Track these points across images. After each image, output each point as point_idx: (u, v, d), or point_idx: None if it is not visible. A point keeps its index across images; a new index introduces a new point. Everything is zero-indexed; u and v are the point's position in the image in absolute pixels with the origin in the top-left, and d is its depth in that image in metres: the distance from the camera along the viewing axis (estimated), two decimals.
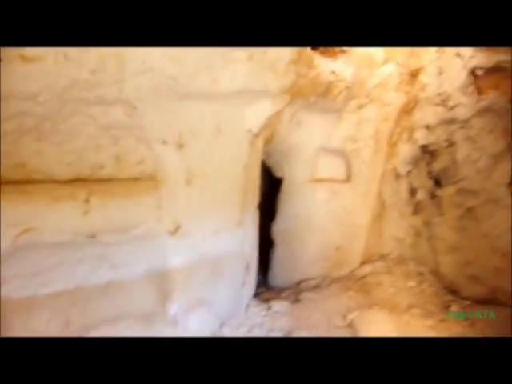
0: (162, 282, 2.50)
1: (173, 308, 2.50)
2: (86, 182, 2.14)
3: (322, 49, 3.13)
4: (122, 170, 2.35)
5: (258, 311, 3.04)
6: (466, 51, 2.86)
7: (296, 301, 3.22)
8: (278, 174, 3.84)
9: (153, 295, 2.52)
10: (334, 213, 3.70)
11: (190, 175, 2.54)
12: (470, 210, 3.17)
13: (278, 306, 3.10)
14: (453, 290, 3.29)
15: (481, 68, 2.79)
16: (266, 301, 3.28)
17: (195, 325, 2.59)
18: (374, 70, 3.40)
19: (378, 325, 2.60)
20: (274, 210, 3.82)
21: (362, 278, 3.47)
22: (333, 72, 3.16)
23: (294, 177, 3.71)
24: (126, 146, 2.33)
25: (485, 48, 2.69)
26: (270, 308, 3.08)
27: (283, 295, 3.47)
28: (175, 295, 2.50)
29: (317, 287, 3.43)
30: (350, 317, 2.81)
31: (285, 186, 3.75)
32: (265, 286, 3.85)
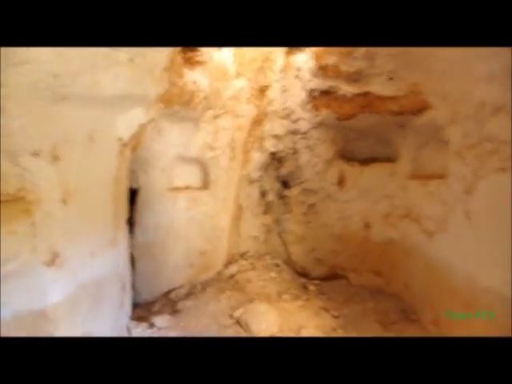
0: (38, 323, 2.02)
1: None
2: None
3: (184, 57, 3.17)
4: None
5: (141, 331, 2.83)
6: (305, 75, 3.47)
7: (175, 312, 3.15)
8: (134, 184, 3.63)
9: None
10: (196, 219, 3.78)
11: (66, 193, 2.16)
12: (311, 205, 3.88)
13: (160, 320, 2.97)
14: (304, 273, 3.93)
15: (316, 90, 3.43)
16: (142, 318, 3.08)
17: None
18: (228, 83, 3.65)
19: (264, 316, 2.87)
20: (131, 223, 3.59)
21: (231, 277, 3.66)
22: (194, 82, 3.25)
23: (152, 186, 3.59)
24: None
25: (320, 74, 3.33)
26: (152, 325, 2.91)
27: (155, 309, 3.32)
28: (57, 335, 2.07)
29: (191, 294, 3.44)
30: (236, 314, 2.98)
31: (142, 197, 3.58)
32: None
